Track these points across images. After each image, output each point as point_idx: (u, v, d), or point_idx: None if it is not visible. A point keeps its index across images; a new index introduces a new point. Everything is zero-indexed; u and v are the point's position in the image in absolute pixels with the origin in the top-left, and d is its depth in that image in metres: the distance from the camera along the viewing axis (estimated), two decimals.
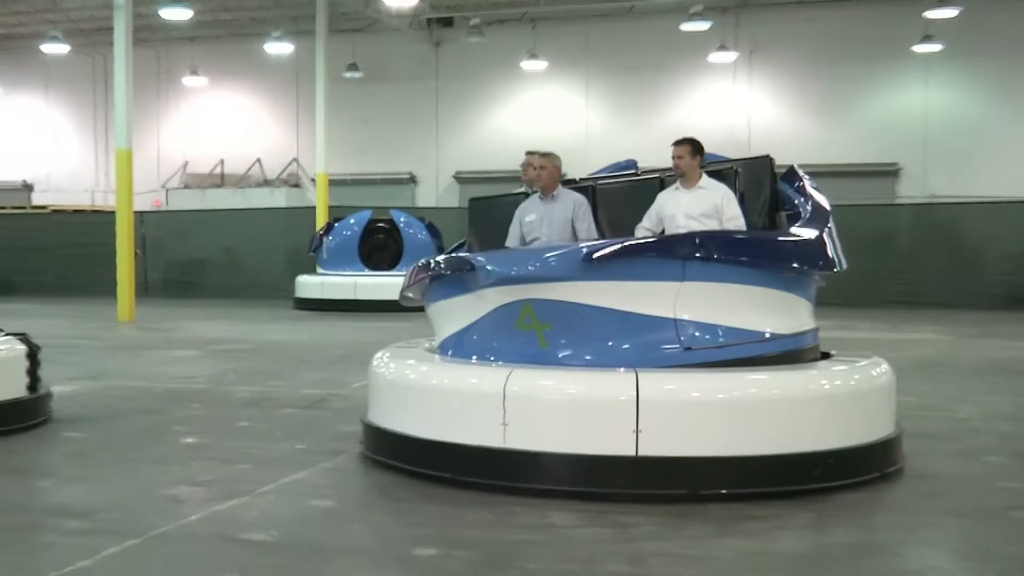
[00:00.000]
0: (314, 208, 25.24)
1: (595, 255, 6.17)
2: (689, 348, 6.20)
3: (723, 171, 7.51)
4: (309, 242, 22.27)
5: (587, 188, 8.06)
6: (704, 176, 7.34)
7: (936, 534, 5.35)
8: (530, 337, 6.37)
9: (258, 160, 31.59)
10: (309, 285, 21.49)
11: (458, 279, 6.75)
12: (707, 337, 6.24)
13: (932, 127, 26.56)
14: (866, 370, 6.56)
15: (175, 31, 30.13)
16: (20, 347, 8.22)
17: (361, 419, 7.19)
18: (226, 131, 32.18)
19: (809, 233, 6.83)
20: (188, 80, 31.87)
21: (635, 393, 5.78)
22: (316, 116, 25.35)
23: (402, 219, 21.72)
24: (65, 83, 33.29)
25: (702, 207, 7.18)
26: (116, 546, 4.97)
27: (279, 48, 28.88)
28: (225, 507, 5.71)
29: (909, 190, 26.46)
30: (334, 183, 26.37)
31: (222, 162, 31.87)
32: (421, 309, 7.56)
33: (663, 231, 7.27)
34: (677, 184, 7.42)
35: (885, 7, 26.56)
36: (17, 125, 33.84)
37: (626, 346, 6.23)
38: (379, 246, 21.68)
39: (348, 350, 13.53)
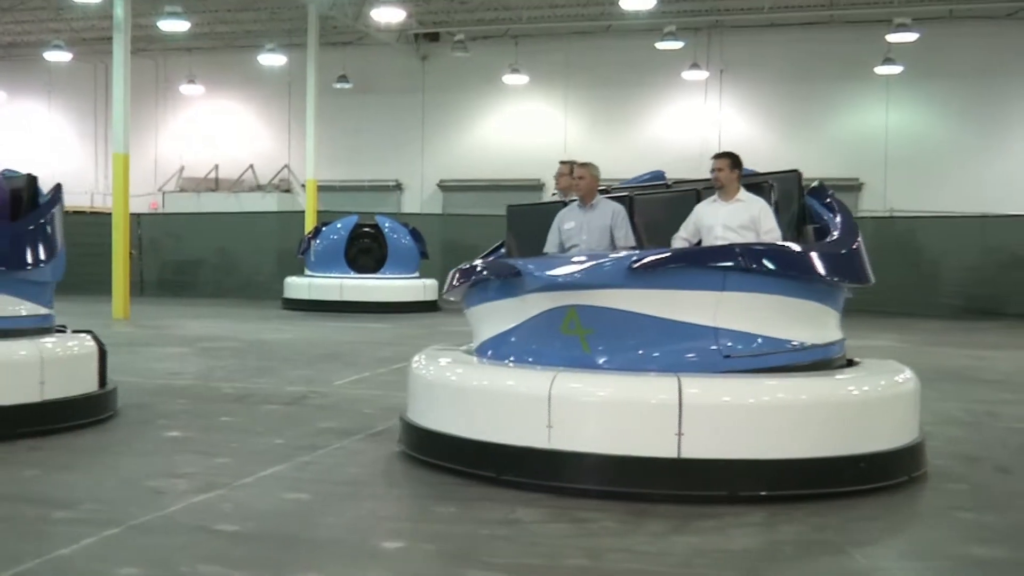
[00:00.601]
0: (304, 212, 25.15)
1: (639, 264, 6.11)
2: (727, 356, 6.13)
3: (760, 185, 7.43)
4: (298, 245, 22.21)
5: (624, 198, 7.94)
6: (742, 189, 7.25)
7: (882, 533, 5.33)
8: (573, 342, 6.30)
9: (251, 166, 31.46)
10: (297, 286, 21.41)
11: (502, 284, 6.68)
12: (744, 346, 6.18)
13: (892, 144, 26.65)
14: (893, 376, 6.53)
15: (173, 42, 29.99)
16: (92, 344, 8.17)
17: (400, 417, 7.08)
18: (221, 138, 32.04)
19: (843, 247, 6.81)
20: (185, 89, 31.74)
21: (678, 397, 5.74)
22: (307, 125, 25.23)
23: (387, 224, 21.67)
24: (67, 90, 33.08)
25: (740, 219, 7.09)
26: (95, 535, 4.93)
27: (272, 59, 28.85)
28: (203, 499, 5.66)
29: (871, 204, 26.50)
30: (323, 189, 26.27)
31: (217, 167, 31.72)
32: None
33: (699, 241, 7.19)
34: (715, 196, 7.31)
35: (849, 30, 26.64)
36: (21, 129, 33.61)
37: (666, 353, 6.17)
38: (365, 250, 21.61)
39: (332, 349, 13.49)
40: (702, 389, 5.86)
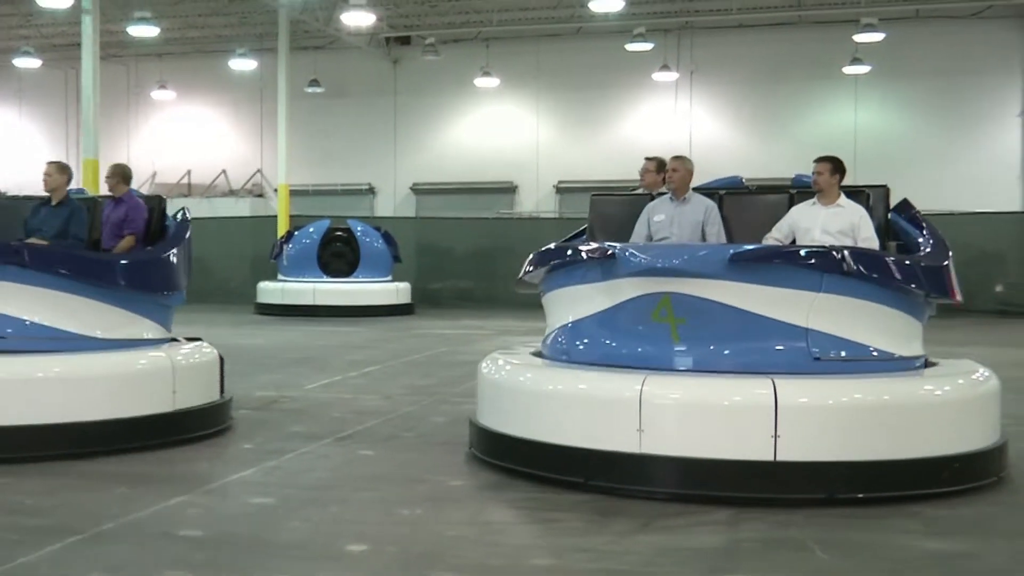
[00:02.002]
0: (276, 217, 25.06)
1: (741, 256, 6.05)
2: (817, 358, 6.09)
3: (858, 192, 7.40)
4: (270, 250, 22.13)
5: (715, 195, 7.86)
6: (843, 195, 7.22)
7: (843, 529, 5.35)
8: (662, 330, 6.21)
9: (223, 171, 31.34)
10: (270, 291, 21.35)
11: (590, 267, 6.53)
12: (834, 349, 6.14)
13: (861, 143, 26.73)
14: (976, 375, 6.53)
15: (144, 47, 29.84)
16: (212, 351, 8.08)
17: (471, 420, 6.98)
18: (193, 143, 31.88)
19: (937, 261, 6.78)
20: (157, 94, 31.59)
21: (773, 399, 5.67)
22: (279, 129, 25.15)
23: (359, 228, 21.61)
24: (38, 96, 32.86)
25: (839, 224, 7.05)
26: (60, 542, 4.90)
27: (244, 64, 28.71)
28: (169, 504, 5.64)
29: None
30: (296, 193, 26.20)
31: (189, 172, 31.58)
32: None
33: (792, 242, 7.12)
34: (814, 199, 7.28)
35: (817, 31, 26.76)
36: None
37: (756, 349, 6.12)
38: (337, 254, 21.53)
39: (304, 353, 13.46)
40: (797, 390, 5.80)
